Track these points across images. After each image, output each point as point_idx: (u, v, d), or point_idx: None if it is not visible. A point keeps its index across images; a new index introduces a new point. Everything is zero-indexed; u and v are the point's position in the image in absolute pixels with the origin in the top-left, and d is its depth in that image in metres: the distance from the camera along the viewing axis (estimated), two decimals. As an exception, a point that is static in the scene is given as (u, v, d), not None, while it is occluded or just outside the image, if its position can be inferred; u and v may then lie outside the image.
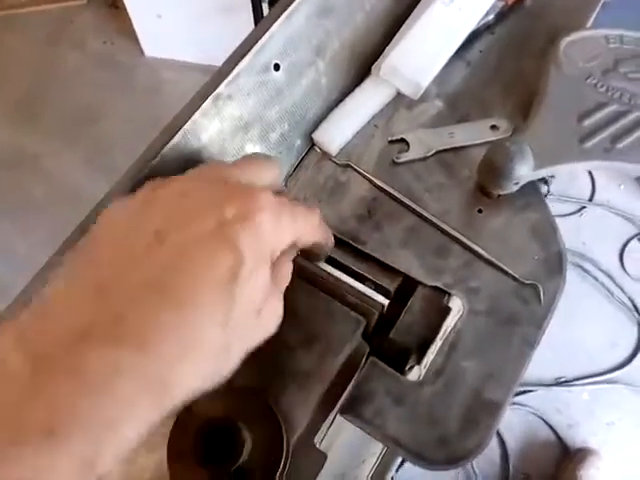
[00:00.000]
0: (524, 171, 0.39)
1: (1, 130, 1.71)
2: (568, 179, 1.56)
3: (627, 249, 1.49)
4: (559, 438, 1.28)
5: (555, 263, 0.41)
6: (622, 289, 1.44)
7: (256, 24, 1.44)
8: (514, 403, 1.25)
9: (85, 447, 0.20)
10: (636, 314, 1.40)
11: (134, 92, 1.81)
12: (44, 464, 0.19)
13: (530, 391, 1.30)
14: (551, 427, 1.29)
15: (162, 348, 0.22)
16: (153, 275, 0.23)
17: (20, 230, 1.49)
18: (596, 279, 1.45)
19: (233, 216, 0.25)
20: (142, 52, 1.87)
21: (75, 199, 1.49)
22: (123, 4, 1.70)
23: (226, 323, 0.24)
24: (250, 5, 1.39)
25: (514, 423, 1.27)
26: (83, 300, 0.22)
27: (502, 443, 1.25)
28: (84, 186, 1.56)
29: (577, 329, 1.36)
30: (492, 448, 1.24)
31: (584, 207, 1.54)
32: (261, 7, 1.41)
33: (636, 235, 1.51)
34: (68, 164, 1.64)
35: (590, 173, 1.57)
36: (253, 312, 0.26)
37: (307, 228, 0.30)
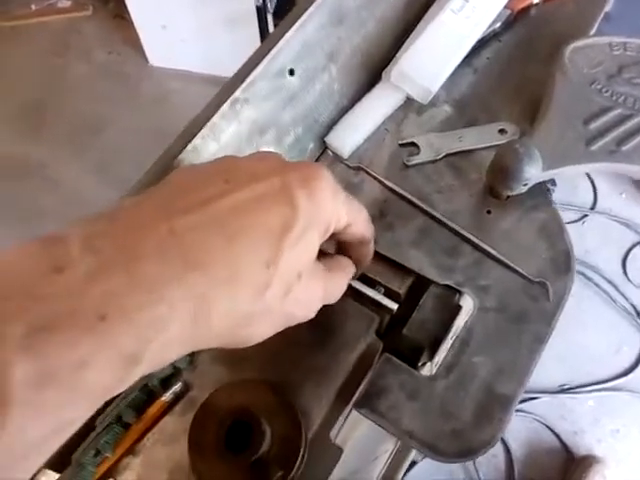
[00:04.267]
0: (533, 172, 0.40)
1: (8, 140, 1.73)
2: (570, 188, 1.57)
3: (630, 256, 1.49)
4: (564, 445, 1.28)
5: (563, 262, 0.42)
6: (625, 296, 1.44)
7: (261, 35, 1.46)
8: (519, 410, 1.25)
9: (130, 340, 0.21)
10: (638, 320, 1.40)
11: (139, 102, 1.83)
12: (90, 348, 0.20)
13: (535, 398, 1.30)
14: (556, 434, 1.29)
15: (208, 268, 0.24)
16: (215, 211, 0.25)
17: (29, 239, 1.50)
18: (599, 286, 1.45)
19: (296, 180, 0.27)
20: (147, 62, 1.89)
21: (84, 208, 1.50)
22: (129, 15, 1.73)
23: (270, 263, 0.26)
24: (255, 16, 1.42)
25: (519, 430, 1.27)
26: (145, 213, 0.24)
27: (507, 450, 1.25)
28: (92, 195, 1.57)
29: (581, 336, 1.36)
30: (497, 455, 1.23)
31: (586, 215, 1.54)
32: (266, 18, 1.43)
33: (639, 242, 1.51)
34: (75, 174, 1.66)
35: (592, 182, 1.58)
36: (295, 272, 0.27)
37: (360, 218, 0.33)
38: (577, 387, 1.34)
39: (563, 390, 1.33)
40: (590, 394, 1.32)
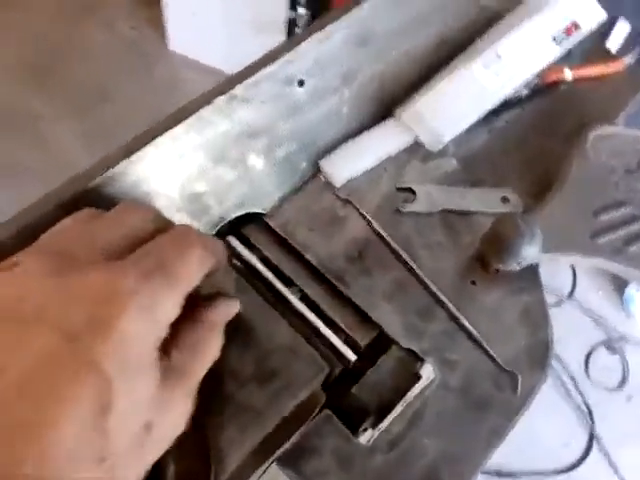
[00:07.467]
0: (531, 252, 0.37)
1: (12, 90, 1.67)
2: (550, 270, 1.56)
3: (593, 354, 1.49)
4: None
5: (540, 355, 0.38)
6: (582, 394, 1.42)
7: (286, 47, 1.44)
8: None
9: None
10: (589, 420, 1.38)
11: (150, 82, 1.79)
12: None
13: None
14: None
15: None
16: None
17: (9, 194, 1.44)
18: (559, 379, 1.43)
19: (84, 323, 0.19)
20: (167, 45, 1.86)
21: (67, 170, 1.44)
22: (160, -6, 1.70)
23: (103, 459, 0.20)
24: (284, 27, 1.40)
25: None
26: None
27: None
28: (78, 159, 1.52)
29: (533, 423, 1.33)
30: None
31: (562, 301, 1.54)
32: (295, 33, 1.41)
33: (604, 342, 1.51)
34: (67, 134, 1.61)
35: (573, 270, 1.58)
36: (138, 434, 0.22)
37: (204, 264, 0.25)
38: (517, 472, 1.30)
39: (500, 474, 1.29)
40: (529, 482, 1.29)
